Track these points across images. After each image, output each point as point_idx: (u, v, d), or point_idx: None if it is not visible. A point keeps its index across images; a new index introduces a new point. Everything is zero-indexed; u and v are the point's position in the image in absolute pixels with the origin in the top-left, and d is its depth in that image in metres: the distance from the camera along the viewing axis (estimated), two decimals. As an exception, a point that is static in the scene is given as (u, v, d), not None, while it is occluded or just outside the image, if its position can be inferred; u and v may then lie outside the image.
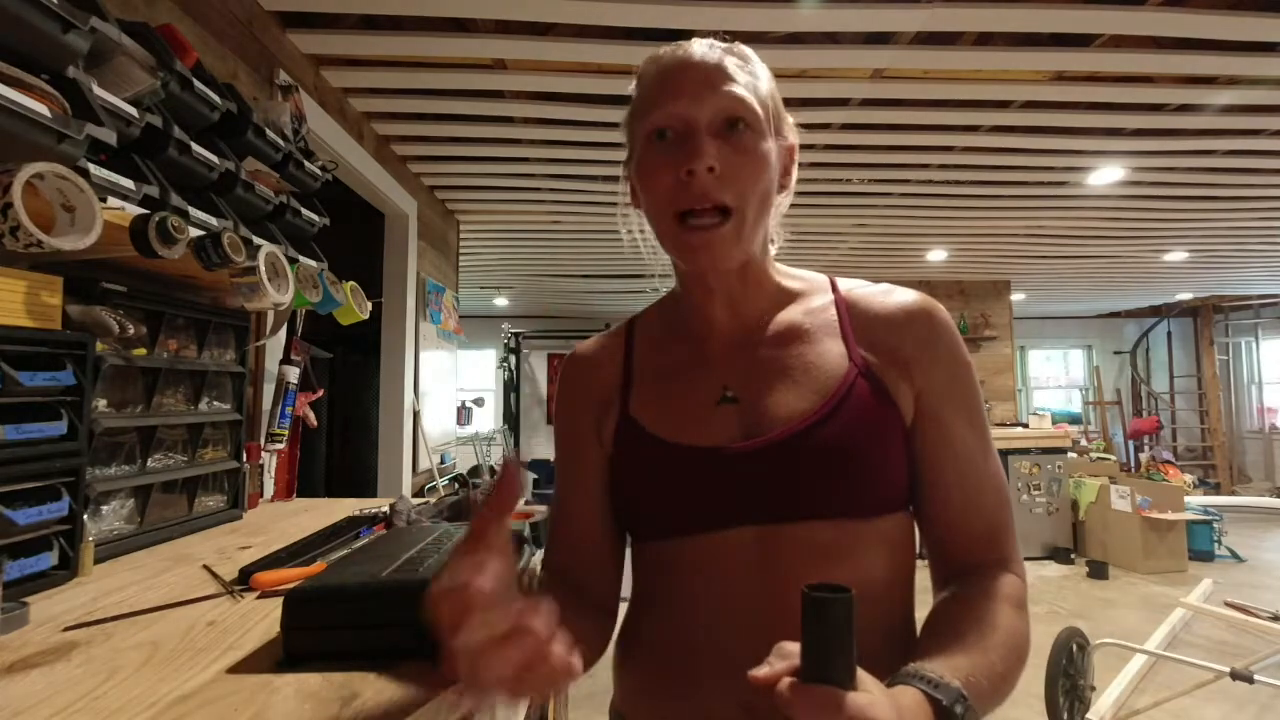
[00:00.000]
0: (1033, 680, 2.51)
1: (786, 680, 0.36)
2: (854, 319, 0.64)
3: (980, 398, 0.64)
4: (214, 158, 1.17)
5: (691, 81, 0.59)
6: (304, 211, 1.46)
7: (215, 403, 1.30)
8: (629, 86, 0.65)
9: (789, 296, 0.68)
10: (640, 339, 0.72)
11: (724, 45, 0.62)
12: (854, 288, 0.68)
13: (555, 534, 0.71)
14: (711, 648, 0.58)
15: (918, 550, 0.64)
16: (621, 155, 0.68)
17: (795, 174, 0.67)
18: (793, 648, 0.37)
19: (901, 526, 0.61)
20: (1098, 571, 4.58)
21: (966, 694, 0.44)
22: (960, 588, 0.58)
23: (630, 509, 0.65)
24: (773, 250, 0.69)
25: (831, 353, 0.62)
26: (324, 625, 0.61)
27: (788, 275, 0.70)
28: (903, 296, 0.64)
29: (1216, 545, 5.02)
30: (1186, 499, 4.87)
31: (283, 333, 1.63)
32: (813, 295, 0.68)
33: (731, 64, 0.60)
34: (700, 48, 0.61)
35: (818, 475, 0.57)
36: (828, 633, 0.36)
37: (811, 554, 0.57)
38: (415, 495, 2.64)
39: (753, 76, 0.61)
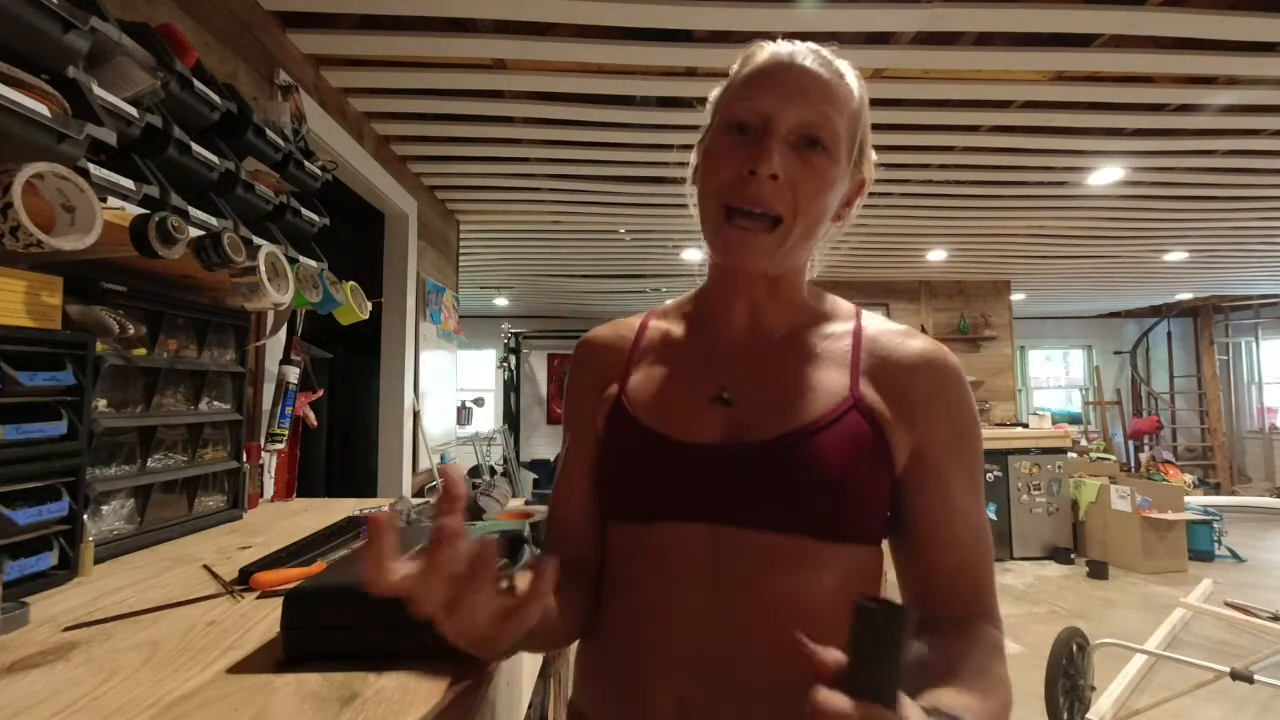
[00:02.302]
0: (1033, 680, 2.51)
1: (836, 696, 0.35)
2: (866, 354, 0.63)
3: (981, 457, 0.63)
4: (214, 158, 1.17)
5: (786, 84, 0.58)
6: (304, 211, 1.46)
7: (215, 403, 1.30)
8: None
9: (811, 317, 0.68)
10: (653, 330, 0.73)
11: (828, 59, 0.60)
12: (874, 324, 0.67)
13: (551, 510, 0.73)
14: (656, 642, 0.59)
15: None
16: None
17: (856, 210, 0.67)
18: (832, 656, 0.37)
19: (866, 559, 0.60)
20: (1098, 571, 4.58)
21: None
22: (951, 636, 0.57)
23: (604, 487, 0.66)
24: (810, 274, 0.69)
25: (834, 380, 0.62)
26: (324, 625, 0.62)
27: (816, 296, 0.70)
28: (919, 342, 0.64)
29: (1216, 545, 5.02)
30: (1186, 499, 4.88)
31: (283, 333, 1.63)
32: (834, 321, 0.67)
33: (832, 81, 0.59)
34: (805, 51, 0.60)
35: (776, 487, 0.57)
36: (882, 647, 0.35)
37: (761, 563, 0.57)
38: (415, 495, 2.64)
39: (848, 100, 0.60)
